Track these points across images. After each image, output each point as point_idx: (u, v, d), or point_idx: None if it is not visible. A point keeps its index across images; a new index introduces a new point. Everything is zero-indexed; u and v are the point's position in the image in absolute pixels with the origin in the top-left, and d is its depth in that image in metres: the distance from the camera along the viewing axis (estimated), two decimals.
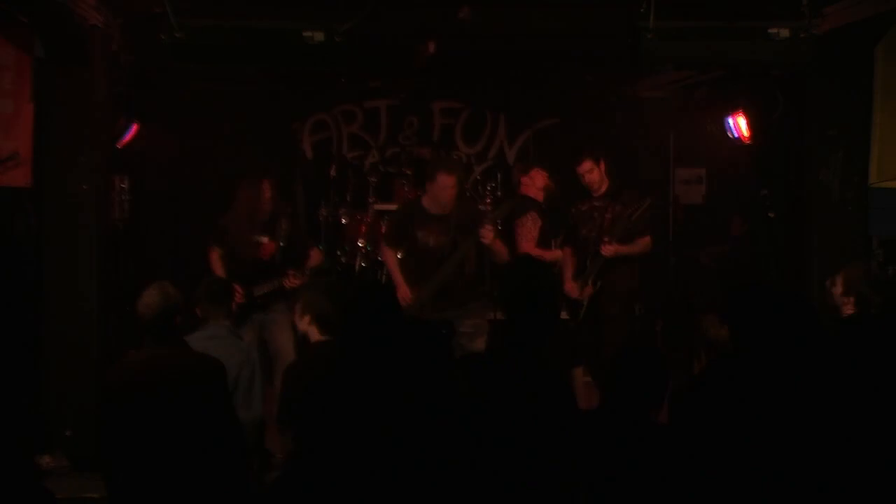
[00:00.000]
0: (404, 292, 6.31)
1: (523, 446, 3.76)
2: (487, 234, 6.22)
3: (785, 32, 5.79)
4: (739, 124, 7.95)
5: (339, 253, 8.68)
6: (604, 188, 6.77)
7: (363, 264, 8.43)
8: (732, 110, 8.01)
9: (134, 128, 7.42)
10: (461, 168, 6.87)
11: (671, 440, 3.50)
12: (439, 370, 3.92)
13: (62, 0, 5.78)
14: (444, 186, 6.30)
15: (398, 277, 6.48)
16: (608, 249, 6.51)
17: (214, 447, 4.20)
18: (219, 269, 6.52)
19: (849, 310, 4.80)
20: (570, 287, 6.69)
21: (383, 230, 7.48)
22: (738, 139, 8.04)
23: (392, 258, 6.65)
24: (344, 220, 8.66)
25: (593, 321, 6.66)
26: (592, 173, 6.72)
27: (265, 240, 6.49)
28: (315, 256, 6.78)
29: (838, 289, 4.93)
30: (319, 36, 5.77)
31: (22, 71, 6.12)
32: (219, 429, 4.25)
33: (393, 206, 8.43)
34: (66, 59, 6.16)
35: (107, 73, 6.34)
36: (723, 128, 8.16)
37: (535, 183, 7.57)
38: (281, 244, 6.48)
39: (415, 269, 6.43)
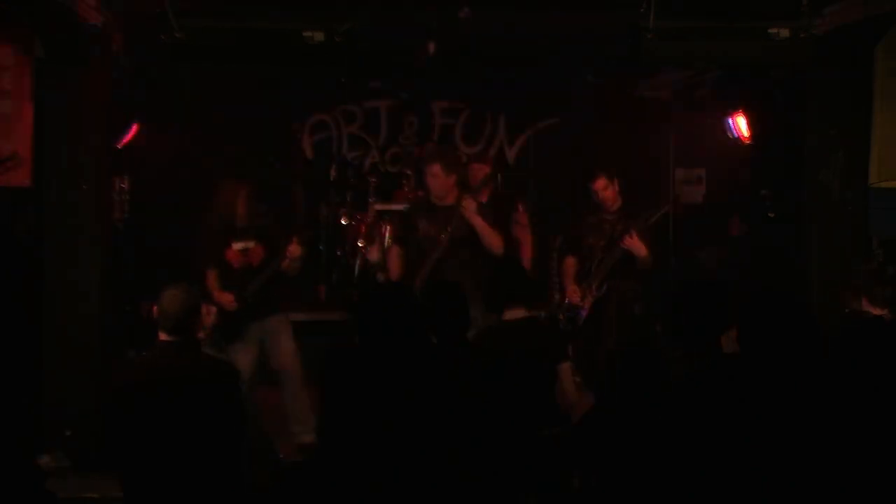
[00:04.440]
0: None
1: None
2: (468, 204, 6.13)
3: (785, 32, 5.79)
4: (739, 124, 7.95)
5: (339, 253, 8.68)
6: (616, 206, 6.73)
7: (363, 264, 8.43)
8: (732, 110, 8.01)
9: (134, 128, 7.42)
10: (452, 158, 6.77)
11: (670, 439, 3.50)
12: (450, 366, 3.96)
13: (62, 0, 5.78)
14: (431, 174, 6.32)
15: (392, 269, 6.50)
16: (630, 241, 6.45)
17: (222, 449, 4.20)
18: (217, 290, 6.26)
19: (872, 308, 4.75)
20: (572, 292, 6.68)
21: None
22: (738, 139, 8.04)
23: (395, 254, 6.62)
24: (344, 221, 8.66)
25: (593, 325, 6.65)
26: (607, 191, 6.65)
27: (252, 244, 6.27)
28: (294, 248, 6.34)
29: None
30: (319, 36, 5.77)
31: (22, 71, 6.12)
32: (227, 431, 4.24)
33: (393, 206, 8.43)
34: (66, 59, 6.15)
35: (107, 73, 6.33)
36: (723, 128, 8.15)
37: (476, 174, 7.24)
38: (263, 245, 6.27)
39: (415, 259, 6.43)
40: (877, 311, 4.69)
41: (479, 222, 6.21)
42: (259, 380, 6.34)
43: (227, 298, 6.18)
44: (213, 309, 6.08)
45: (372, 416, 3.66)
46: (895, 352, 3.47)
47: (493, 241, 6.27)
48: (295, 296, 6.94)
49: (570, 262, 6.86)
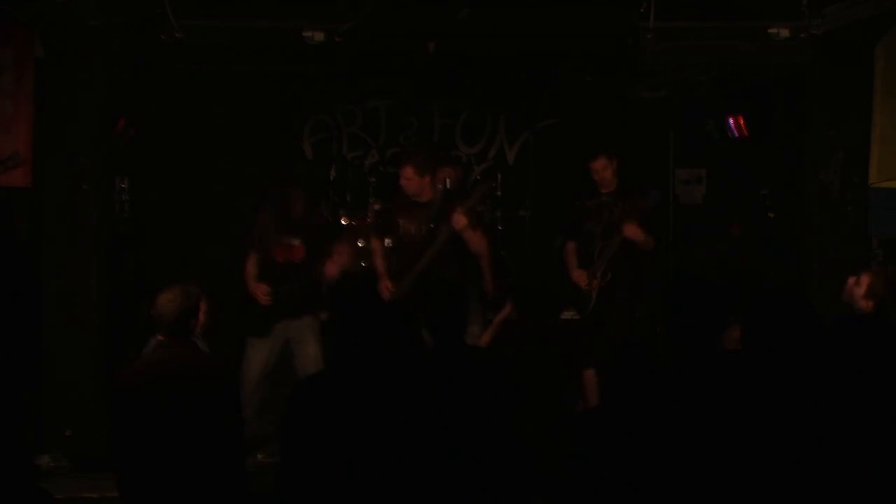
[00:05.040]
0: (385, 283, 6.32)
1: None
2: (459, 220, 6.11)
3: (785, 32, 5.81)
4: (739, 124, 7.95)
5: None
6: (613, 186, 6.75)
7: (363, 264, 8.43)
8: (732, 110, 8.00)
9: (133, 127, 7.42)
10: (424, 159, 6.74)
11: (671, 438, 3.50)
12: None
13: (62, 0, 5.78)
14: (405, 177, 6.32)
15: (380, 268, 6.48)
16: (630, 230, 6.46)
17: (222, 449, 4.20)
18: (253, 280, 6.33)
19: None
20: (578, 276, 6.68)
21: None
22: (738, 139, 8.04)
23: (378, 248, 6.61)
24: (344, 221, 8.65)
25: (599, 315, 6.65)
26: (606, 170, 6.69)
27: (297, 242, 6.33)
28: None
29: (861, 290, 4.89)
30: (319, 36, 5.79)
31: (22, 71, 6.13)
32: (227, 431, 4.24)
33: None
34: (66, 59, 6.17)
35: (107, 73, 6.34)
36: (723, 128, 8.15)
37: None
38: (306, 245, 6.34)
39: (398, 258, 6.42)
40: (866, 308, 4.73)
41: (468, 235, 6.22)
42: (264, 378, 6.35)
43: (262, 290, 6.23)
44: (267, 288, 6.21)
45: (370, 415, 3.66)
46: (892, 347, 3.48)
47: (478, 246, 6.28)
48: None
49: (571, 247, 6.86)
